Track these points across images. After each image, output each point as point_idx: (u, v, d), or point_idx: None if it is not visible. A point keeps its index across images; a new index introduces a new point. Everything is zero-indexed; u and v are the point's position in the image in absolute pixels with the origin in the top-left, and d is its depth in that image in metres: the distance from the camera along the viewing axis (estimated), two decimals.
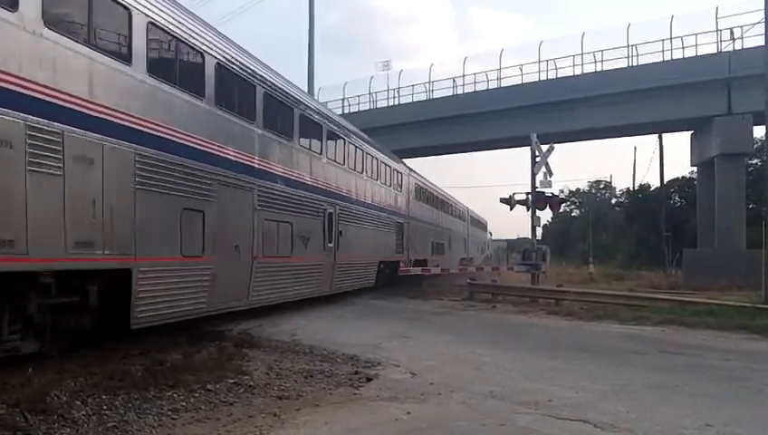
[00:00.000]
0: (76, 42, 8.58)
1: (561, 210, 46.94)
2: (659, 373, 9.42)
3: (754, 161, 40.80)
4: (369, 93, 44.29)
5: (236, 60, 13.28)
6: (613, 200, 79.91)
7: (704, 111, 32.71)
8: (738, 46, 32.09)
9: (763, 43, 19.65)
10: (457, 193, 54.79)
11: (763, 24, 19.48)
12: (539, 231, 26.70)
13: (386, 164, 25.86)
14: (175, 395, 7.33)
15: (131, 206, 9.63)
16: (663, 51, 34.44)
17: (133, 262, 9.61)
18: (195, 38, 11.55)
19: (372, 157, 23.85)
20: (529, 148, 24.48)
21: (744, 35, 31.45)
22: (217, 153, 12.24)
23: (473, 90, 40.73)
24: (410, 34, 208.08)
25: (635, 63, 35.38)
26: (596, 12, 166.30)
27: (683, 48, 34.15)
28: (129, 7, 9.66)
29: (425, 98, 42.48)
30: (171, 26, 10.87)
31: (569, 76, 37.16)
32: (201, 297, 11.54)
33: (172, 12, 11.01)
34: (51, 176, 7.96)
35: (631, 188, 58.84)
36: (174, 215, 10.81)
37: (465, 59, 44.48)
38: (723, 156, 32.65)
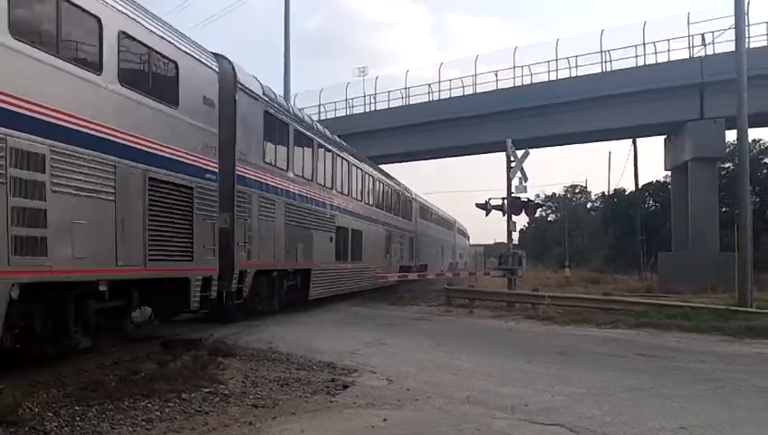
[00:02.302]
0: None
1: (537, 215, 47.29)
2: (635, 376, 9.48)
3: (727, 165, 41.38)
4: (346, 99, 44.36)
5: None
6: (589, 205, 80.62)
7: (677, 116, 33.07)
8: (710, 51, 32.62)
9: (733, 49, 19.90)
10: (433, 198, 55.98)
11: (734, 30, 19.74)
12: (515, 236, 26.78)
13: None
14: (149, 405, 7.24)
15: None
16: (636, 56, 34.83)
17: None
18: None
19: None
20: (504, 153, 24.61)
21: (716, 41, 32.03)
22: None
23: (448, 96, 40.90)
24: (389, 40, 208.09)
25: (608, 69, 35.73)
26: (571, 18, 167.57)
27: (656, 53, 34.57)
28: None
29: (401, 104, 42.54)
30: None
31: (543, 82, 37.41)
32: None
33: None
34: None
35: (606, 193, 59.48)
36: None
37: (441, 65, 44.99)
38: (696, 160, 33.03)
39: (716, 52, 31.94)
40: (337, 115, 44.22)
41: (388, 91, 43.07)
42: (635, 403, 7.67)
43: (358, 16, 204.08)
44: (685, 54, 33.96)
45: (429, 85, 41.84)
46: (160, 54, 10.77)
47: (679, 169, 36.17)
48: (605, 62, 35.81)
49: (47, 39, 8.11)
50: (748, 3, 21.60)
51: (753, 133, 32.85)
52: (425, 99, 41.74)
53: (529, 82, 38.12)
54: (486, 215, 25.20)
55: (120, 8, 9.52)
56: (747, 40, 19.63)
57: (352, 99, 44.19)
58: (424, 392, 8.12)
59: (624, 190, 56.12)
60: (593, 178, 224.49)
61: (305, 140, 18.76)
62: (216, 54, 13.29)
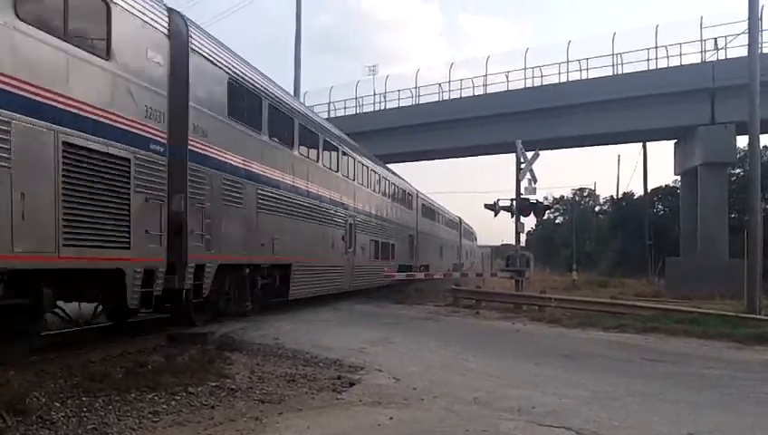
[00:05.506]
0: None
1: (545, 217, 47.17)
2: (642, 381, 9.44)
3: (737, 171, 41.20)
4: (356, 98, 44.29)
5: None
6: (597, 208, 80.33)
7: (687, 121, 32.91)
8: (722, 56, 32.47)
9: (746, 54, 19.80)
10: (441, 198, 56.09)
11: (747, 35, 19.65)
12: (523, 238, 26.74)
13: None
14: (156, 398, 7.25)
15: None
16: (648, 60, 34.67)
17: None
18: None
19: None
20: (514, 154, 24.55)
21: (728, 45, 31.90)
22: None
23: (459, 96, 40.82)
24: (399, 39, 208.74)
25: (620, 72, 35.59)
26: (583, 20, 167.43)
27: (667, 57, 34.40)
28: None
29: (411, 103, 42.47)
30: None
31: (554, 84, 37.29)
32: None
33: None
34: None
35: (615, 196, 59.30)
36: None
37: (452, 65, 44.95)
38: (706, 165, 32.87)
39: (728, 56, 31.86)
40: (347, 113, 44.13)
41: (398, 91, 43.01)
42: (642, 408, 7.63)
43: (369, 14, 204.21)
44: (697, 59, 33.88)
45: (440, 85, 41.83)
46: None
47: (689, 174, 36.00)
48: (616, 64, 35.73)
49: None
50: (762, 7, 21.43)
51: (765, 139, 32.67)
52: (435, 98, 41.71)
53: (540, 83, 38.03)
54: (495, 216, 25.13)
55: None
56: (760, 45, 19.49)
57: (362, 97, 44.15)
58: (431, 392, 8.10)
59: (633, 194, 56.08)
60: (602, 181, 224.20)
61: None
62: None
